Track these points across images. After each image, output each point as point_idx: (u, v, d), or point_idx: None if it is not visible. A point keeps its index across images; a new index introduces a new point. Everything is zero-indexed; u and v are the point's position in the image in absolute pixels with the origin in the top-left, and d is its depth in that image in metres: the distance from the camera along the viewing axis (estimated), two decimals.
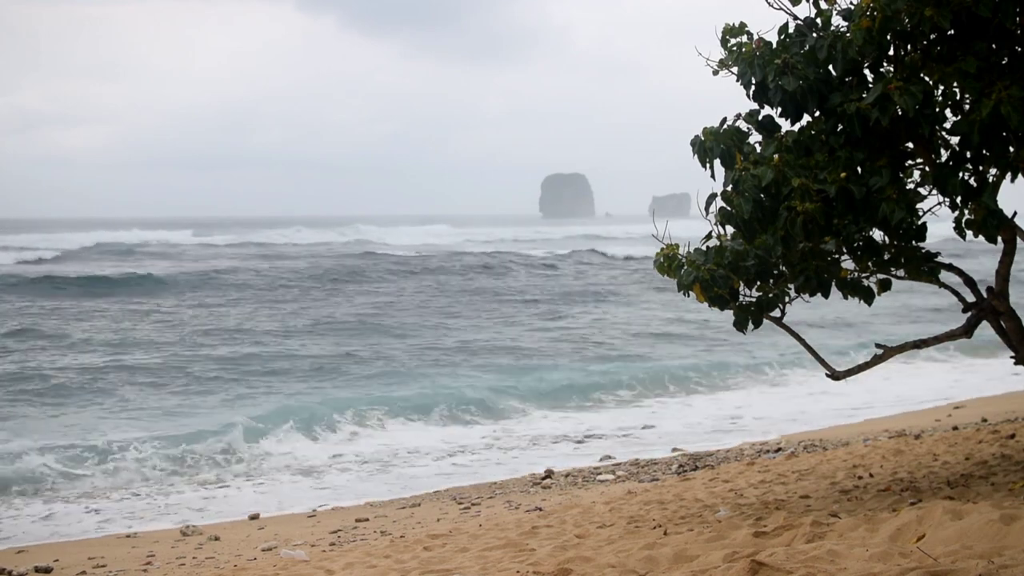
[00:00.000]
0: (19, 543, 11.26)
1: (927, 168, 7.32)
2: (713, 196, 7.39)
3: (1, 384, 20.24)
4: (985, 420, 14.32)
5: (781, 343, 21.88)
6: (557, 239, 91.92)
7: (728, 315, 7.87)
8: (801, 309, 8.70)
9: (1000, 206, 6.94)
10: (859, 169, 7.13)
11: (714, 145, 7.34)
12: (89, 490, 13.67)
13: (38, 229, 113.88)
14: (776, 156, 7.12)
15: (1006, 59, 6.95)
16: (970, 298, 7.87)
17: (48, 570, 9.73)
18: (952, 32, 6.95)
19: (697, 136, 7.43)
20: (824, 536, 5.86)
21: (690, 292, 7.59)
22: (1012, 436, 10.91)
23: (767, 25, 9.35)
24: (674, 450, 15.20)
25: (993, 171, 7.04)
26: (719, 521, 7.92)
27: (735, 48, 7.39)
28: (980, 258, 36.55)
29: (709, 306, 7.72)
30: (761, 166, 7.09)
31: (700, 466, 13.29)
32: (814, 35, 7.18)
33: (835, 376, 8.23)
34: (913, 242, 7.49)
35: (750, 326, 7.81)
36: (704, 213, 7.49)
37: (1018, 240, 7.49)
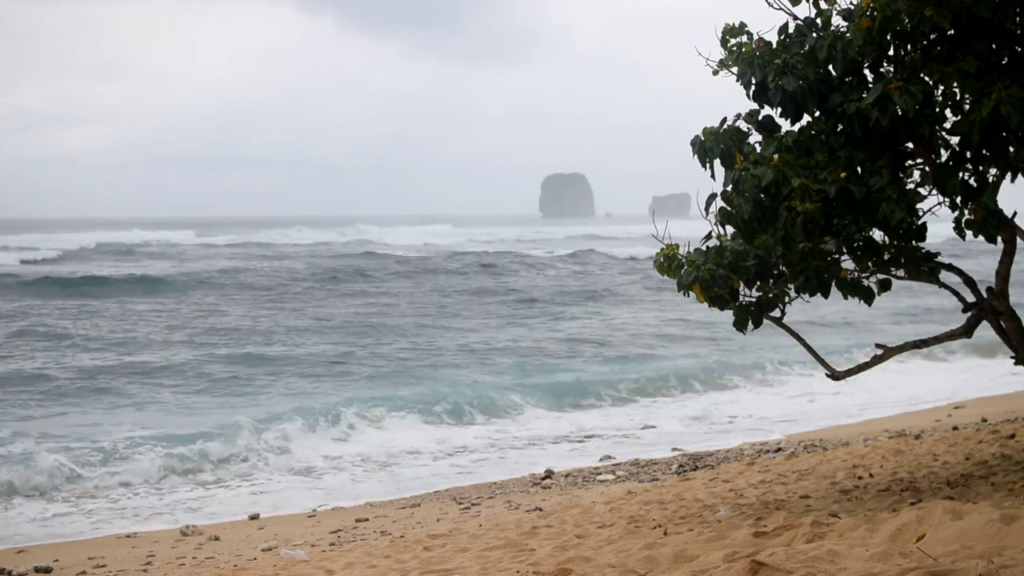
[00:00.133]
0: (19, 543, 11.26)
1: (927, 168, 7.32)
2: (713, 196, 7.39)
3: (3, 384, 20.24)
4: (985, 420, 14.33)
5: (781, 343, 21.87)
6: (558, 239, 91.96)
7: (728, 315, 7.87)
8: (801, 309, 8.69)
9: (1000, 206, 6.94)
10: (859, 169, 7.13)
11: (714, 145, 7.34)
12: (89, 490, 13.66)
13: (38, 229, 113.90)
14: (776, 156, 7.12)
15: (1006, 59, 6.95)
16: (970, 298, 7.86)
17: (48, 570, 9.73)
18: (952, 32, 6.95)
19: (697, 136, 7.43)
20: (824, 536, 5.86)
21: (690, 292, 7.59)
22: (1012, 436, 10.91)
23: (767, 25, 9.36)
24: (674, 450, 15.20)
25: (993, 171, 7.04)
26: (719, 521, 7.92)
27: (735, 48, 7.39)
28: (980, 258, 36.54)
29: (709, 306, 7.72)
30: (761, 166, 7.09)
31: (700, 466, 13.29)
32: (814, 35, 7.18)
33: (835, 376, 8.23)
34: (913, 242, 7.49)
35: (750, 326, 7.81)
36: (704, 213, 7.49)
37: (1018, 240, 7.49)
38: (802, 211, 6.92)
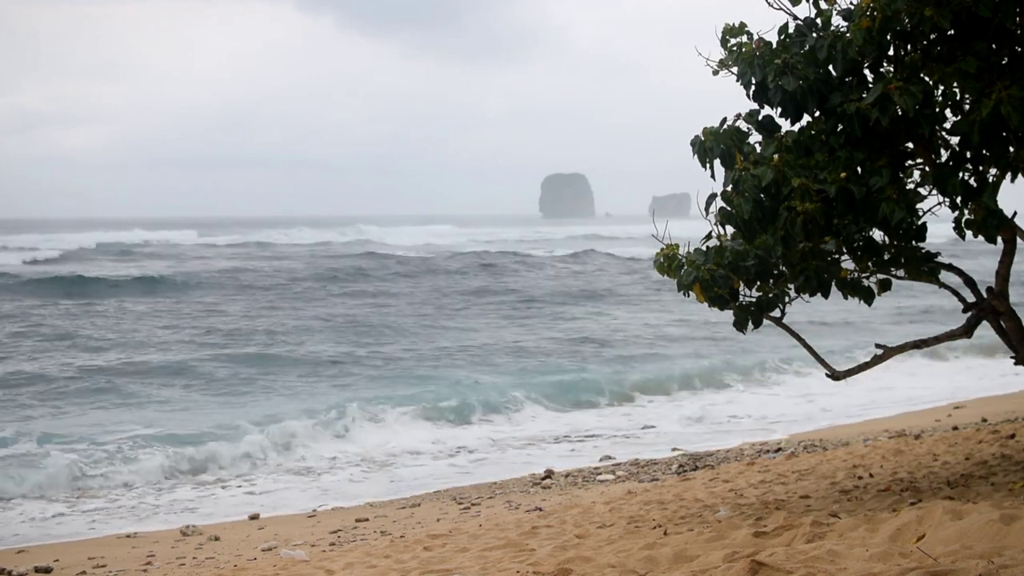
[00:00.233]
0: (19, 543, 11.26)
1: (927, 168, 7.32)
2: (713, 196, 7.39)
3: (5, 384, 20.25)
4: (985, 420, 14.32)
5: (781, 343, 21.87)
6: (559, 239, 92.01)
7: (728, 315, 7.87)
8: (801, 309, 8.69)
9: (1000, 206, 6.94)
10: (859, 169, 7.13)
11: (714, 145, 7.33)
12: (89, 490, 13.66)
13: (38, 229, 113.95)
14: (776, 156, 7.12)
15: (1006, 59, 6.95)
16: (970, 298, 7.86)
17: (48, 570, 9.73)
18: (952, 32, 6.95)
19: (697, 136, 7.43)
20: (824, 536, 5.86)
21: (690, 292, 7.59)
22: (1012, 436, 10.91)
23: (767, 25, 9.36)
24: (674, 450, 15.20)
25: (993, 171, 7.04)
26: (719, 521, 7.92)
27: (735, 48, 7.39)
28: (980, 258, 36.53)
29: (709, 306, 7.72)
30: (761, 166, 7.09)
31: (700, 466, 13.29)
32: (814, 35, 7.18)
33: (835, 376, 8.22)
34: (913, 242, 7.49)
35: (750, 326, 7.81)
36: (704, 213, 7.49)
37: (1018, 240, 7.49)
38: (802, 211, 6.92)
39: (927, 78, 7.01)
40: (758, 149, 7.37)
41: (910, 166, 7.48)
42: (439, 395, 19.40)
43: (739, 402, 19.73)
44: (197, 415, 18.07)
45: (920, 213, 7.32)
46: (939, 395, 18.91)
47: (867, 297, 7.82)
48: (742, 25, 7.44)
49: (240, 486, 14.10)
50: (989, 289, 7.69)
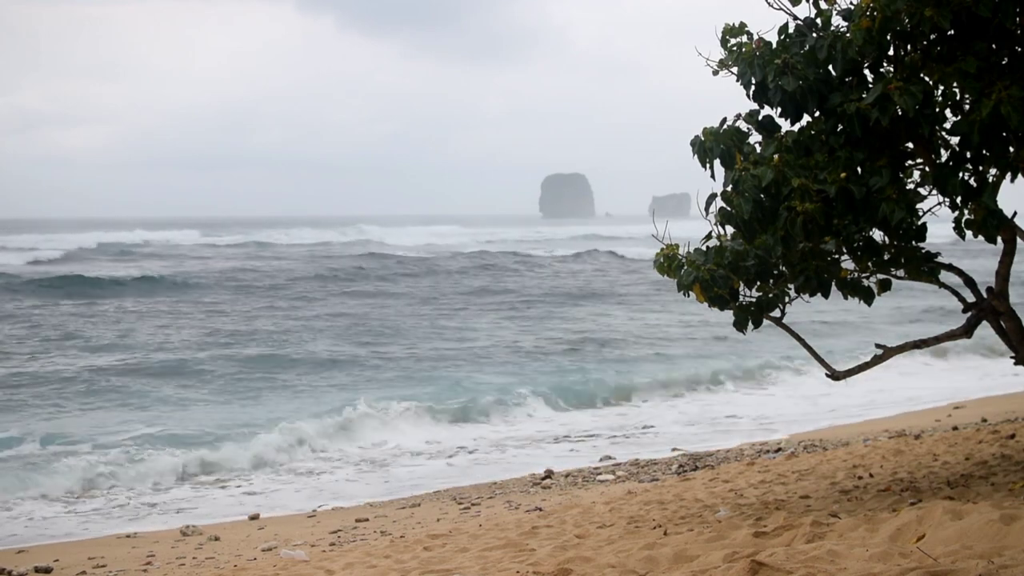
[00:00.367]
0: (19, 543, 11.26)
1: (927, 168, 7.32)
2: (713, 196, 7.39)
3: (9, 384, 20.26)
4: (985, 420, 14.32)
5: (781, 343, 21.87)
6: (560, 239, 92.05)
7: (728, 315, 7.87)
8: (801, 309, 8.69)
9: (1000, 206, 6.94)
10: (859, 169, 7.12)
11: (714, 145, 7.33)
12: (89, 490, 13.66)
13: (38, 229, 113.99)
14: (776, 156, 7.12)
15: (1006, 59, 6.95)
16: (970, 298, 7.86)
17: (48, 570, 9.73)
18: (952, 32, 6.95)
19: (697, 136, 7.43)
20: (824, 536, 5.86)
21: (690, 292, 7.59)
22: (1012, 436, 10.91)
23: (767, 25, 9.35)
24: (674, 450, 15.20)
25: (993, 171, 7.04)
26: (719, 521, 7.92)
27: (735, 48, 7.39)
28: (980, 258, 36.53)
29: (709, 306, 7.71)
30: (761, 166, 7.09)
31: (700, 466, 13.29)
32: (814, 35, 7.18)
33: (835, 376, 8.22)
34: (913, 242, 7.49)
35: (750, 326, 7.81)
36: (704, 213, 7.49)
37: (1018, 240, 7.49)
38: (802, 211, 6.92)
39: (927, 78, 7.01)
40: (758, 149, 7.37)
41: (910, 166, 7.48)
42: (439, 395, 19.41)
43: (739, 402, 19.73)
44: (198, 415, 18.07)
45: (920, 213, 7.32)
46: (939, 395, 18.91)
47: (867, 297, 7.82)
48: (742, 25, 7.44)
49: (240, 486, 14.10)
50: (989, 289, 7.69)
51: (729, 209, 7.25)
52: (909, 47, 7.18)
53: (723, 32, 7.45)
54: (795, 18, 7.36)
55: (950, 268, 7.89)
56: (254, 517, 12.17)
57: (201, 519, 12.18)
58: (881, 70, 7.20)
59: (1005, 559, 4.44)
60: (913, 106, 6.65)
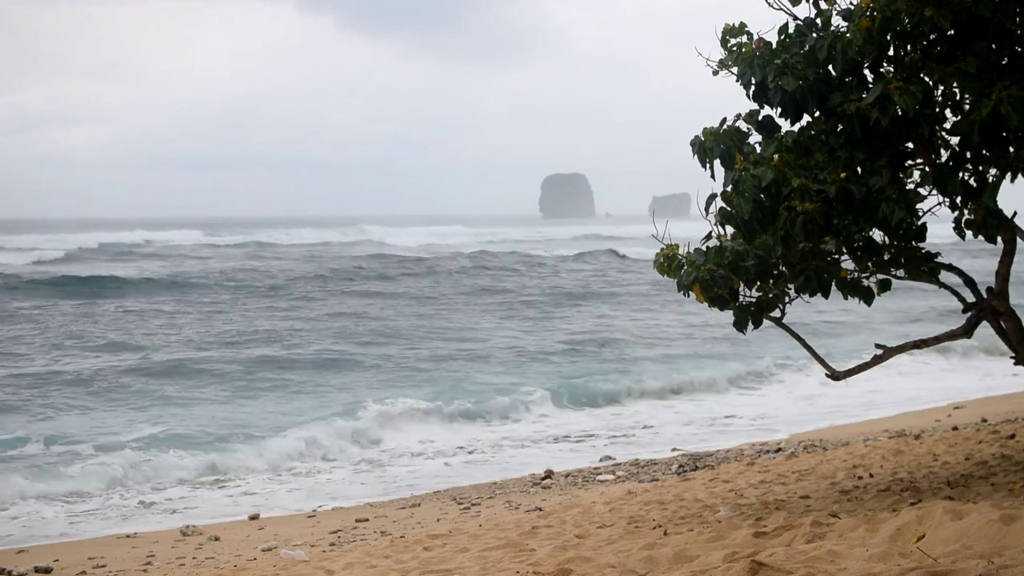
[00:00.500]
0: (19, 543, 11.26)
1: (927, 168, 7.32)
2: (713, 196, 7.39)
3: (11, 384, 20.26)
4: (985, 420, 14.32)
5: (781, 343, 21.87)
6: (561, 239, 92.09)
7: (728, 316, 7.87)
8: (801, 309, 8.69)
9: (1000, 206, 6.94)
10: (859, 169, 7.12)
11: (714, 145, 7.33)
12: (90, 490, 13.65)
13: (39, 229, 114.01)
14: (776, 156, 7.12)
15: (1006, 59, 6.95)
16: (970, 298, 7.86)
17: (48, 570, 9.73)
18: (952, 32, 6.95)
19: (697, 136, 7.43)
20: (824, 536, 5.86)
21: (690, 292, 7.59)
22: (1012, 436, 10.91)
23: (767, 25, 9.36)
24: (674, 450, 15.20)
25: (993, 171, 7.04)
26: (719, 521, 7.92)
27: (735, 48, 7.39)
28: (980, 258, 36.53)
29: (709, 306, 7.72)
30: (761, 166, 7.09)
31: (700, 466, 13.29)
32: (814, 35, 7.18)
33: (835, 376, 8.22)
34: (913, 242, 7.49)
35: (750, 326, 7.81)
36: (704, 213, 7.49)
37: (1018, 240, 7.49)
38: (802, 211, 6.92)
39: (927, 78, 7.01)
40: (758, 149, 7.37)
41: (910, 166, 7.48)
42: (440, 395, 19.40)
43: (739, 402, 19.73)
44: (198, 415, 18.07)
45: (920, 213, 7.32)
46: (939, 395, 18.91)
47: (867, 297, 7.82)
48: (742, 25, 7.44)
49: (240, 486, 14.10)
50: (989, 289, 7.69)
51: (729, 209, 7.25)
52: (909, 47, 7.18)
53: (723, 32, 7.45)
54: (795, 18, 7.37)
55: (950, 268, 7.89)
56: (254, 517, 12.17)
57: (201, 519, 12.18)
58: (881, 70, 7.20)
59: (1005, 559, 4.44)
60: (913, 106, 6.65)
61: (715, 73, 7.54)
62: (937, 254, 7.73)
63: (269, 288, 40.33)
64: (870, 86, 7.00)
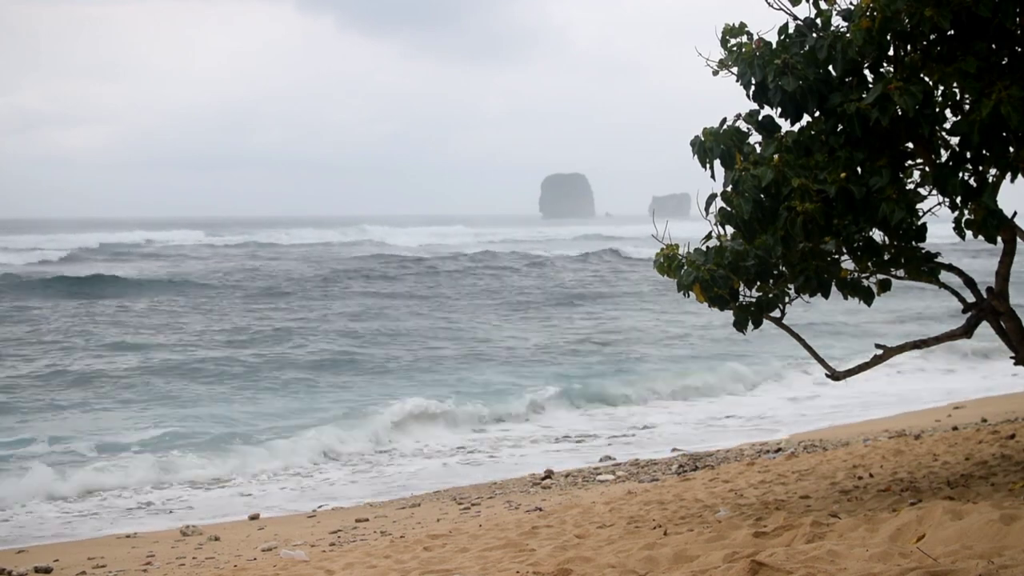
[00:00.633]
0: (19, 543, 11.26)
1: (927, 168, 7.32)
2: (713, 196, 7.39)
3: (13, 384, 20.27)
4: (985, 420, 14.32)
5: (781, 344, 21.86)
6: (561, 239, 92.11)
7: (728, 316, 7.86)
8: (801, 309, 8.69)
9: (1000, 206, 6.94)
10: (859, 169, 7.12)
11: (714, 145, 7.33)
12: (90, 490, 13.65)
13: (39, 229, 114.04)
14: (776, 156, 7.12)
15: (1006, 59, 6.95)
16: (970, 298, 7.86)
17: (48, 570, 9.73)
18: (952, 32, 6.95)
19: (697, 136, 7.43)
20: (824, 536, 5.86)
21: (690, 292, 7.59)
22: (1012, 436, 10.91)
23: (767, 25, 9.36)
24: (674, 450, 15.20)
25: (993, 171, 7.03)
26: (719, 521, 7.92)
27: (735, 48, 7.39)
28: (980, 258, 36.52)
29: (709, 306, 7.71)
30: (761, 166, 7.09)
31: (700, 466, 13.29)
32: (814, 35, 7.18)
33: (835, 376, 8.22)
34: (913, 242, 7.49)
35: (750, 326, 7.81)
36: (704, 213, 7.49)
37: (1018, 240, 7.49)
38: (802, 211, 6.92)
39: (927, 78, 7.01)
40: (758, 149, 7.37)
41: (910, 166, 7.48)
42: (440, 395, 19.39)
43: (739, 402, 19.73)
44: (197, 415, 18.08)
45: (920, 213, 7.32)
46: (939, 395, 18.91)
47: (867, 297, 7.82)
48: (742, 25, 7.44)
49: (240, 486, 14.10)
50: (989, 289, 7.69)
51: (729, 209, 7.25)
52: (909, 47, 7.18)
53: (723, 32, 7.45)
54: (795, 18, 7.36)
55: (950, 268, 7.89)
56: (254, 517, 12.17)
57: (201, 519, 12.19)
58: (881, 70, 7.20)
59: (1005, 559, 4.44)
60: (913, 106, 6.65)
61: (715, 73, 7.54)
62: (937, 254, 7.73)
63: (269, 288, 40.34)
64: (870, 86, 7.00)
